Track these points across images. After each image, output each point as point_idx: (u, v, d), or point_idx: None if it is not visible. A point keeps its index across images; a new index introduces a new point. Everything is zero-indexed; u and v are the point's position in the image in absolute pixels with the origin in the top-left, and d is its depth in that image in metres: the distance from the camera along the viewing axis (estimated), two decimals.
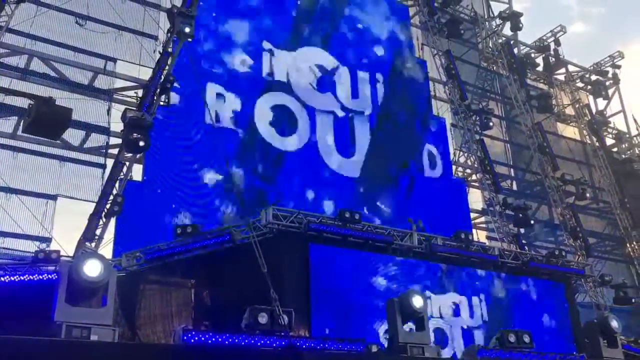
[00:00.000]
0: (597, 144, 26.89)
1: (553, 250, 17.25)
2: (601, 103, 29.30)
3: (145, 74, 16.01)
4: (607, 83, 29.00)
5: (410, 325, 9.02)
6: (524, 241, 20.53)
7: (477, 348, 11.59)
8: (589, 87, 28.89)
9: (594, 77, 28.97)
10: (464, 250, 14.95)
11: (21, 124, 14.32)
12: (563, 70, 28.75)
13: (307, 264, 12.63)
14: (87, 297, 6.33)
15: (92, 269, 6.31)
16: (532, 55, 27.56)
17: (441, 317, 14.12)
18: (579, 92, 28.74)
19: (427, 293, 13.65)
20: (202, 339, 6.95)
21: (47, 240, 14.32)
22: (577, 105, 27.80)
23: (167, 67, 15.31)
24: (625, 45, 60.87)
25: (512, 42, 26.31)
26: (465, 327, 14.39)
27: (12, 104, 14.78)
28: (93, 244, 13.29)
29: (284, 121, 18.06)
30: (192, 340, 6.75)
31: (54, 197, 15.04)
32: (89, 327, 6.05)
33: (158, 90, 15.00)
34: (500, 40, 25.66)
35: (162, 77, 15.16)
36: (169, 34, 15.70)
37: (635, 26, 61.53)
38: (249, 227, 11.64)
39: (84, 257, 6.66)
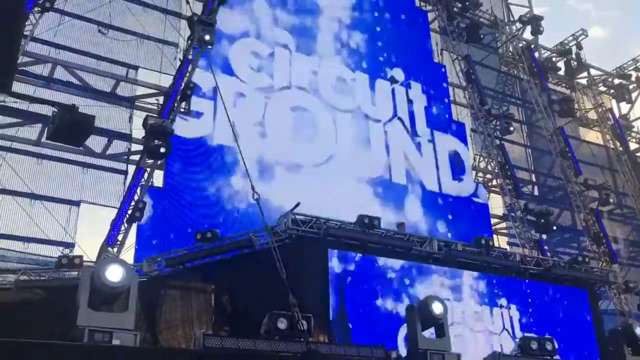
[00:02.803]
0: (620, 148, 26.50)
1: (576, 256, 17.01)
2: (624, 107, 28.94)
3: (166, 81, 16.20)
4: (631, 87, 28.60)
5: (430, 332, 8.96)
6: (546, 247, 20.30)
7: (498, 356, 11.45)
8: (612, 90, 28.51)
9: (617, 81, 28.58)
10: (485, 256, 14.81)
11: (45, 131, 14.58)
12: (585, 74, 28.41)
13: (326, 269, 12.62)
14: (109, 302, 6.40)
15: (114, 274, 6.38)
16: (554, 59, 27.28)
17: (462, 323, 13.99)
18: (601, 96, 28.36)
19: (448, 300, 13.56)
20: (223, 344, 6.97)
21: (71, 245, 14.53)
22: (599, 110, 27.45)
23: (187, 74, 15.48)
24: None
25: (532, 46, 26.10)
26: (486, 334, 14.24)
27: (36, 112, 15.05)
28: (115, 249, 13.45)
29: None
30: (213, 345, 6.78)
31: (77, 203, 15.25)
32: (111, 331, 6.11)
33: (179, 97, 15.17)
34: (520, 45, 25.47)
35: (183, 84, 15.34)
36: (189, 42, 15.87)
37: None
38: (268, 233, 11.68)
39: (106, 262, 6.74)
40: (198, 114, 16.37)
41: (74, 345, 5.65)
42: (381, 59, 20.88)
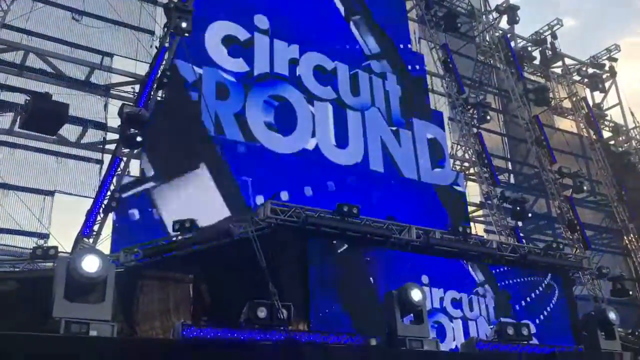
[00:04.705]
0: (594, 136, 26.91)
1: (550, 243, 17.29)
2: (598, 96, 29.41)
3: (142, 69, 15.97)
4: (604, 76, 29.06)
5: (409, 319, 9.02)
6: (521, 234, 20.58)
7: (475, 341, 11.62)
8: (586, 80, 28.98)
9: (590, 70, 29.03)
10: (462, 244, 14.96)
11: (18, 119, 14.28)
12: (560, 63, 28.82)
13: (306, 258, 12.63)
14: (85, 293, 6.33)
15: (90, 264, 6.31)
16: (529, 48, 27.58)
17: (440, 310, 14.14)
18: (575, 85, 28.77)
19: (426, 287, 13.68)
20: (201, 334, 6.94)
21: (45, 236, 14.29)
22: (574, 99, 27.81)
23: (163, 62, 15.28)
24: (617, 39, 60.85)
25: (508, 35, 26.30)
26: (464, 320, 14.42)
27: (8, 100, 14.72)
28: (91, 240, 13.28)
29: None
30: (192, 336, 6.74)
31: (51, 193, 14.99)
32: (88, 322, 6.05)
33: (155, 85, 14.97)
34: (497, 34, 25.64)
35: (159, 72, 15.14)
36: (165, 29, 15.65)
37: (627, 20, 61.65)
38: (247, 222, 11.64)
39: (82, 253, 6.65)
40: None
41: (52, 336, 5.57)
42: (357, 47, 20.89)
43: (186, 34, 15.65)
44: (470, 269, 15.15)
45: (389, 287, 13.00)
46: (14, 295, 10.43)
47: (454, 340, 13.90)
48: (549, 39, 27.77)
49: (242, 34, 18.41)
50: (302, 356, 5.63)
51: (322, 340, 7.44)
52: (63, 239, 13.56)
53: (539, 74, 27.85)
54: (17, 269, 12.27)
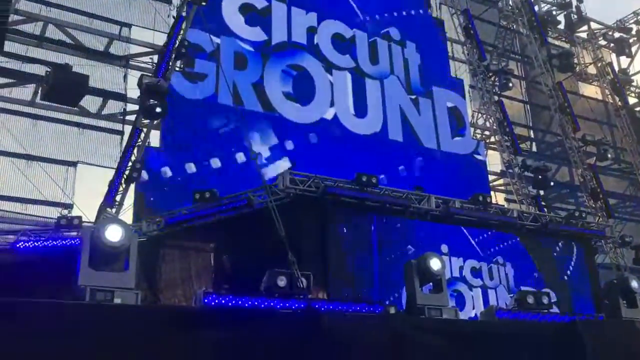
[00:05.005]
0: (619, 103, 26.31)
1: (573, 212, 17.11)
2: (624, 61, 28.62)
3: (160, 40, 15.93)
4: (631, 40, 28.24)
5: (428, 288, 9.05)
6: (543, 203, 20.39)
7: (495, 309, 11.63)
8: (612, 44, 28.16)
9: (617, 35, 28.20)
10: (482, 213, 14.89)
11: (39, 91, 14.41)
12: (585, 27, 28.00)
13: (325, 227, 12.70)
14: (109, 262, 6.44)
15: (113, 234, 6.39)
16: (554, 12, 26.83)
17: (460, 279, 14.18)
18: (601, 50, 28.02)
19: (445, 256, 13.69)
20: (222, 301, 7.05)
21: (69, 206, 14.53)
22: (599, 64, 27.14)
23: (181, 32, 15.21)
24: None
25: None
26: (484, 289, 14.44)
27: (30, 72, 14.83)
28: (114, 210, 13.47)
29: None
30: (213, 303, 6.85)
31: (74, 164, 15.20)
32: (112, 290, 6.16)
33: (173, 55, 14.94)
34: None
35: (177, 42, 15.09)
36: None
37: None
38: (266, 192, 11.70)
39: (105, 223, 6.75)
40: (200, 76, 16.17)
41: (79, 304, 5.71)
42: (377, 17, 20.54)
43: (203, 3, 15.51)
44: (490, 238, 15.10)
45: (408, 257, 13.10)
46: (41, 264, 10.69)
47: (474, 308, 13.95)
48: (574, 2, 26.96)
49: (259, 2, 18.20)
50: (321, 324, 5.70)
51: (341, 309, 7.53)
52: (86, 209, 13.79)
53: (563, 39, 27.15)
54: (43, 239, 12.51)
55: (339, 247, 12.68)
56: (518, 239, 15.48)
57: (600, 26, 28.46)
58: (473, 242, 14.76)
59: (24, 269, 10.43)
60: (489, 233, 15.08)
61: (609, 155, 23.19)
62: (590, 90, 27.18)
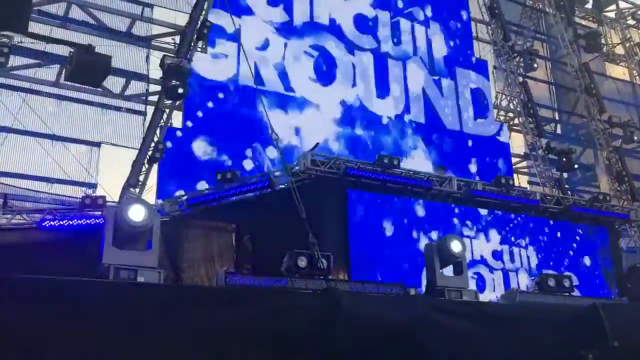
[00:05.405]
0: None
1: (597, 195, 16.87)
2: None
3: (182, 20, 15.93)
4: None
5: (448, 270, 9.03)
6: (567, 186, 20.14)
7: (516, 291, 11.56)
8: None
9: None
10: (505, 195, 14.75)
11: (63, 72, 14.55)
12: (613, 7, 27.32)
13: (346, 209, 12.70)
14: (132, 241, 6.51)
15: (136, 213, 6.45)
16: None
17: (480, 261, 14.11)
18: (630, 30, 27.35)
19: (467, 237, 13.62)
20: (244, 281, 7.12)
21: (93, 186, 14.76)
22: (627, 44, 26.53)
23: (203, 12, 15.19)
24: None
25: None
26: (505, 271, 14.36)
27: (54, 52, 14.98)
28: (137, 190, 13.63)
29: None
30: (235, 282, 6.93)
31: (97, 145, 15.40)
32: (136, 269, 6.25)
33: (195, 36, 14.94)
34: None
35: (199, 22, 15.08)
36: None
37: None
38: (287, 173, 11.73)
39: (129, 202, 6.82)
40: (222, 56, 16.18)
41: (102, 282, 5.81)
42: None
43: None
44: (512, 220, 14.97)
45: (428, 239, 13.07)
46: (65, 242, 10.90)
47: (494, 291, 13.90)
48: None
49: None
50: (340, 305, 5.73)
51: (361, 289, 7.55)
52: (110, 189, 14.00)
53: (590, 19, 26.56)
54: (68, 217, 12.73)
55: (359, 228, 12.68)
56: (540, 222, 15.32)
57: (629, 5, 27.76)
58: (495, 225, 14.65)
59: (49, 247, 10.64)
60: (511, 216, 14.95)
61: (636, 138, 22.73)
62: (618, 71, 26.60)
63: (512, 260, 14.57)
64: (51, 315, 4.70)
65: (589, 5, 26.34)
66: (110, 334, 4.82)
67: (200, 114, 15.71)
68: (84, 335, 4.73)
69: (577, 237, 15.80)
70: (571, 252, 15.51)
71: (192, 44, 14.92)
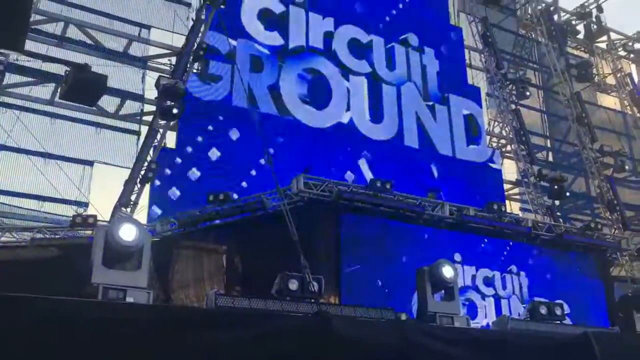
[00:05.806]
0: (638, 114, 26.07)
1: (588, 223, 16.92)
2: None
3: (179, 42, 16.07)
4: None
5: (440, 295, 8.99)
6: (558, 213, 20.21)
7: (507, 319, 11.52)
8: (632, 55, 27.95)
9: (637, 45, 27.98)
10: (496, 222, 14.76)
11: (58, 90, 14.58)
12: (605, 38, 27.77)
13: (338, 232, 12.67)
14: (122, 261, 6.47)
15: (127, 233, 6.42)
16: (573, 22, 26.67)
17: (472, 288, 14.07)
18: (621, 60, 27.79)
19: (458, 264, 13.59)
20: (234, 303, 7.05)
21: (85, 205, 14.69)
22: (618, 75, 26.91)
23: (200, 35, 15.33)
24: None
25: (552, 8, 25.48)
26: (497, 298, 14.32)
27: (49, 71, 15.02)
28: (128, 209, 13.57)
29: None
30: (225, 304, 6.86)
31: (90, 163, 15.36)
32: (125, 289, 6.19)
33: (191, 58, 15.05)
34: (539, 7, 24.87)
35: (195, 44, 15.19)
36: (201, 1, 15.65)
37: None
38: (280, 195, 11.71)
39: (120, 222, 6.79)
40: (215, 77, 16.27)
41: (91, 301, 5.74)
42: (396, 23, 20.52)
43: (222, 6, 15.62)
44: (503, 247, 14.98)
45: (420, 264, 13.01)
46: (55, 261, 10.79)
47: (486, 317, 13.83)
48: (594, 12, 26.74)
49: (277, 7, 18.29)
50: (331, 328, 5.68)
51: (352, 314, 7.49)
52: (102, 208, 13.94)
53: (582, 49, 26.97)
54: (58, 236, 12.64)
55: (351, 252, 12.64)
56: (532, 249, 15.33)
57: (620, 36, 28.25)
58: (486, 251, 14.64)
59: (39, 265, 10.53)
60: (503, 242, 14.95)
61: (627, 167, 22.96)
62: (609, 101, 26.94)
63: (504, 287, 14.53)
64: (44, 334, 4.63)
65: (581, 36, 26.75)
66: (99, 354, 4.75)
67: (200, 138, 15.73)
68: (75, 356, 4.67)
69: (569, 265, 15.79)
70: (562, 280, 15.49)
71: (188, 66, 15.02)
